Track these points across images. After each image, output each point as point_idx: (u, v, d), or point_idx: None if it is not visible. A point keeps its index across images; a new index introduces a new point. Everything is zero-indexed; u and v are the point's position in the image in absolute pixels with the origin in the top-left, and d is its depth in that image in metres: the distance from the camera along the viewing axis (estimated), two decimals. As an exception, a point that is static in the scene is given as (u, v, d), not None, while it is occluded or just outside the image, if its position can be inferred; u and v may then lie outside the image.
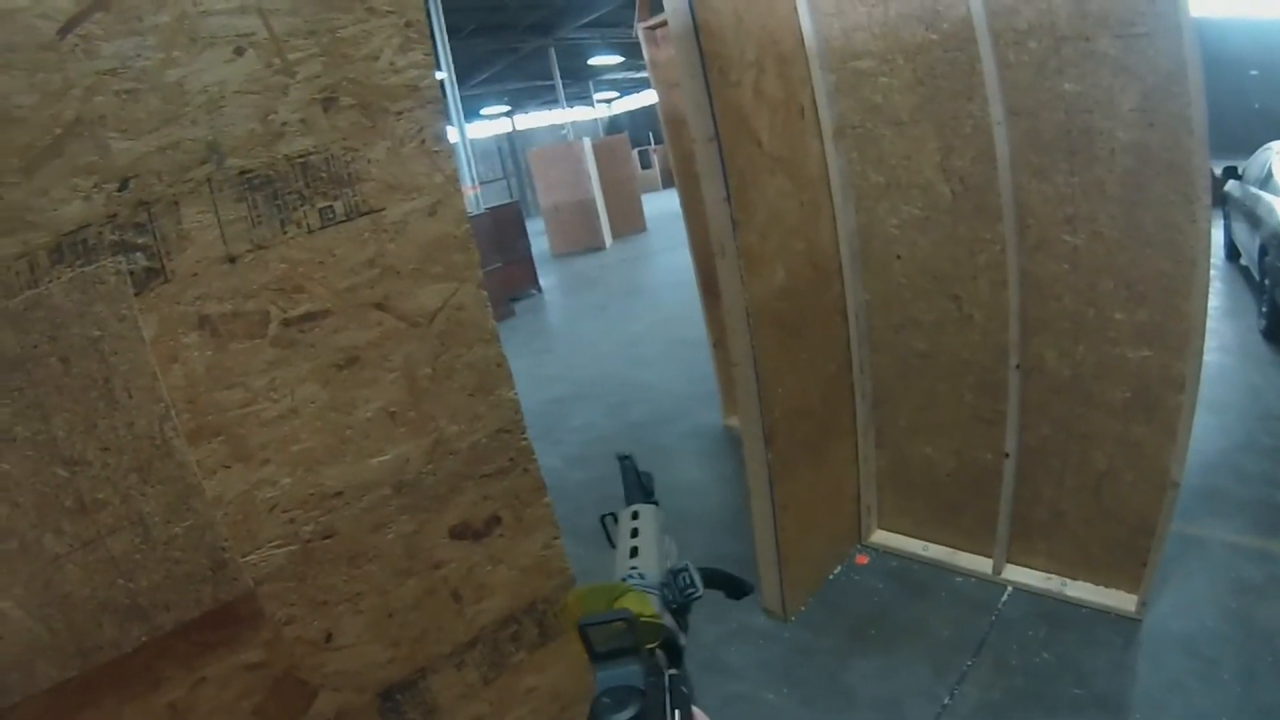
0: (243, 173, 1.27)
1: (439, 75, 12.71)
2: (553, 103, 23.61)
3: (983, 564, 2.67)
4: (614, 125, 30.24)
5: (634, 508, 0.87)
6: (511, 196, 21.70)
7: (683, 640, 0.76)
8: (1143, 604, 2.30)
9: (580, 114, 28.75)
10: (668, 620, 0.73)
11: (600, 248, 13.84)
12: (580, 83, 25.78)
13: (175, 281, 1.26)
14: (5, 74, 1.06)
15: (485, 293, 1.52)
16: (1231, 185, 6.00)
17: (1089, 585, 2.45)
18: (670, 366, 6.04)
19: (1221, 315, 5.12)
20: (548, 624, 1.73)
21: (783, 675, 2.46)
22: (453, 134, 14.40)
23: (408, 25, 1.40)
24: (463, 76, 15.73)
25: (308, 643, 1.45)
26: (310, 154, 1.31)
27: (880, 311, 2.74)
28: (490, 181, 23.27)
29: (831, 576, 2.90)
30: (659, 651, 0.70)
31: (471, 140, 15.55)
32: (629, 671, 0.63)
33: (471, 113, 23.49)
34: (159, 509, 1.28)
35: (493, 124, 28.56)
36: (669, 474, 4.15)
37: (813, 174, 2.59)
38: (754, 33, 2.33)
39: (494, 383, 1.55)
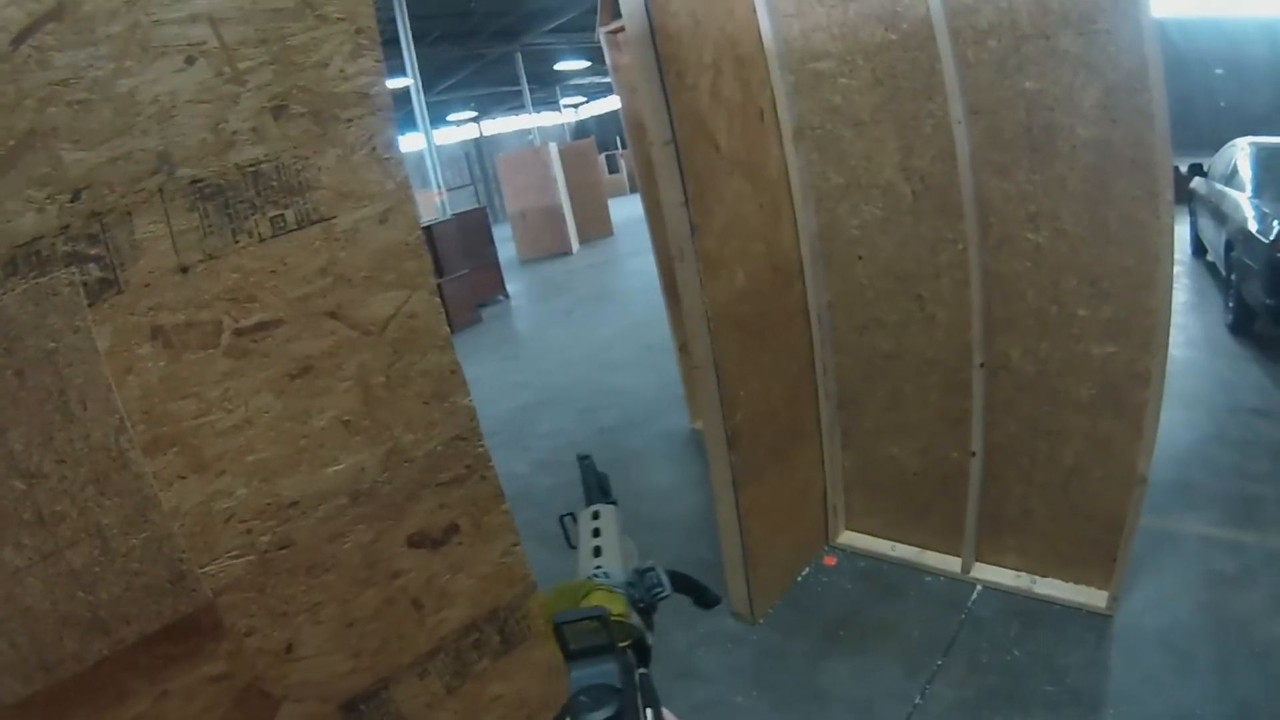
0: (194, 182, 1.32)
1: (405, 82, 12.83)
2: (520, 108, 23.91)
3: (951, 563, 2.78)
4: (581, 130, 30.48)
5: (594, 508, 0.92)
6: (479, 202, 21.76)
7: (650, 640, 0.79)
8: (1114, 600, 2.42)
9: (547, 119, 29.07)
10: (635, 620, 0.77)
11: (568, 253, 13.99)
12: (547, 88, 26.11)
13: (128, 292, 1.30)
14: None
15: (438, 300, 1.57)
16: (1197, 182, 6.26)
17: (1059, 582, 2.57)
18: (638, 371, 6.14)
19: (1188, 310, 5.34)
20: (510, 631, 1.79)
21: (753, 679, 2.54)
22: (419, 140, 14.46)
23: (358, 32, 1.46)
24: (429, 83, 15.85)
25: (269, 654, 1.50)
26: (261, 162, 1.37)
27: (843, 312, 2.85)
28: (458, 188, 23.27)
29: (800, 578, 2.99)
30: (629, 651, 0.71)
31: (439, 146, 15.62)
32: (605, 670, 0.64)
33: (438, 119, 23.57)
34: (117, 521, 1.32)
35: (460, 130, 28.65)
36: (638, 478, 4.23)
37: (773, 176, 2.69)
38: (712, 35, 2.43)
39: (449, 389, 1.60)
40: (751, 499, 2.69)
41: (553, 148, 14.00)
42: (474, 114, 27.70)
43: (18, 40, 1.16)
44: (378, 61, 1.49)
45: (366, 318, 1.49)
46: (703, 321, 2.46)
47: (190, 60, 1.32)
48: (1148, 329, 2.22)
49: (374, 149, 1.48)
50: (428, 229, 9.44)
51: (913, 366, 2.75)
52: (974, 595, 2.68)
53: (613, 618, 0.68)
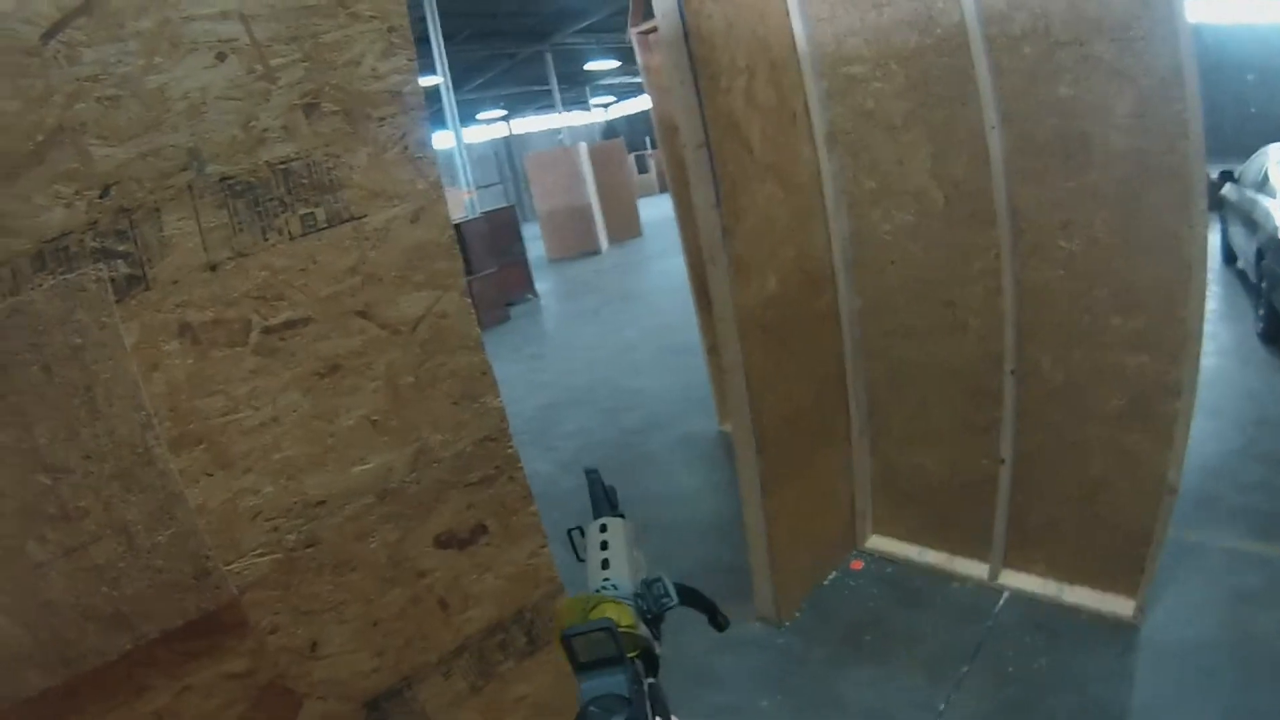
0: (224, 179, 1.27)
1: (434, 80, 12.85)
2: (549, 108, 23.80)
3: (979, 569, 2.67)
4: (611, 130, 30.32)
5: (601, 520, 0.89)
6: (508, 201, 21.81)
7: (659, 650, 0.77)
8: (1140, 610, 2.30)
9: (577, 119, 28.92)
10: (643, 630, 0.75)
11: (596, 252, 13.87)
12: (577, 87, 25.96)
13: (156, 289, 1.25)
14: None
15: (469, 300, 1.52)
16: (1228, 189, 6.02)
17: (1086, 590, 2.45)
18: (663, 373, 6.05)
19: (1218, 319, 5.13)
20: (536, 633, 1.72)
21: (775, 684, 2.46)
22: (449, 138, 14.48)
23: (391, 31, 1.40)
24: (459, 81, 15.85)
25: (292, 651, 1.45)
26: (292, 160, 1.31)
27: (873, 318, 2.74)
28: (487, 186, 23.35)
29: (826, 582, 2.90)
30: (638, 661, 0.71)
31: (468, 145, 15.64)
32: (615, 680, 0.65)
33: (468, 117, 23.71)
34: (141, 517, 1.28)
35: (489, 128, 28.67)
36: (661, 481, 4.15)
37: (804, 180, 2.60)
38: (745, 38, 2.34)
39: (478, 390, 1.55)
40: (778, 502, 2.61)
41: (582, 147, 13.84)
42: (504, 113, 27.68)
43: (47, 35, 1.11)
44: (410, 60, 1.43)
45: (396, 317, 1.44)
46: (733, 325, 2.38)
47: (221, 56, 1.26)
48: (1179, 339, 2.10)
49: (406, 148, 1.42)
50: (456, 227, 9.41)
51: (942, 373, 2.64)
52: (1000, 603, 2.57)
53: (621, 629, 0.68)
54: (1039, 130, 2.22)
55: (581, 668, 0.67)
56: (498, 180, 27.80)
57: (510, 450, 1.61)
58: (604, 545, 0.84)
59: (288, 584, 1.41)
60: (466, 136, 15.49)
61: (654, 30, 3.82)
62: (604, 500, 0.95)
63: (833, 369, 2.82)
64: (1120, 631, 2.31)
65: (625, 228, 14.71)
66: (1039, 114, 2.20)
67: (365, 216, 1.38)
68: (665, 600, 0.79)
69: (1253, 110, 9.79)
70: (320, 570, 1.43)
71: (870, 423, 2.89)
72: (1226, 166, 6.05)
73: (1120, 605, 2.36)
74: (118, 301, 1.23)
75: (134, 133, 1.21)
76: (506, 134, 29.46)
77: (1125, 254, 2.17)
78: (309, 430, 1.37)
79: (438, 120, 14.37)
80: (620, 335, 7.68)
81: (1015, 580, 2.60)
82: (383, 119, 1.39)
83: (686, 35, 2.11)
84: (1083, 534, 2.42)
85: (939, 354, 2.62)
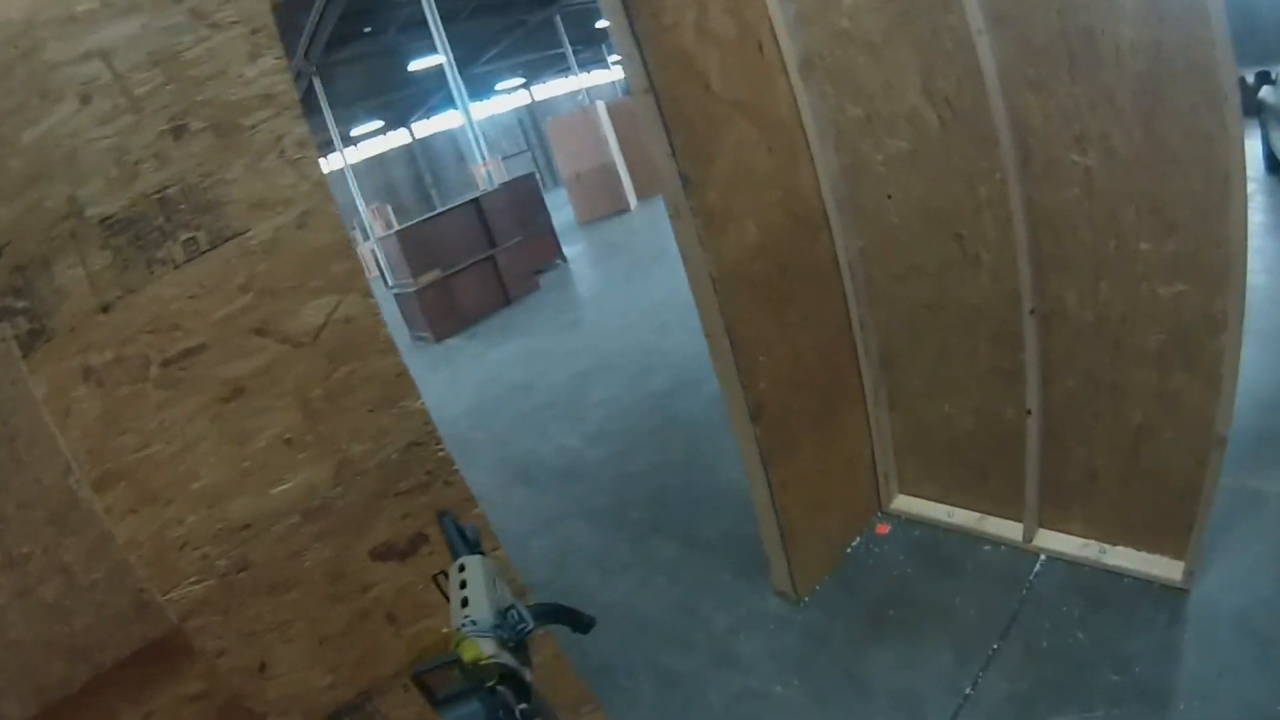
0: (104, 220, 1.41)
1: (437, 58, 13.15)
2: (567, 70, 24.39)
3: (1013, 530, 2.66)
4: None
5: (460, 561, 0.99)
6: (536, 169, 22.29)
7: (528, 675, 0.87)
8: (1189, 572, 2.26)
9: (598, 78, 29.54)
10: (506, 658, 0.85)
11: (625, 210, 14.11)
12: (593, 47, 26.44)
13: (57, 338, 1.41)
14: None
15: (374, 301, 1.62)
16: (1266, 91, 5.69)
17: (1130, 551, 2.41)
18: (693, 332, 6.09)
19: (1265, 233, 4.89)
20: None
21: (794, 666, 2.54)
22: (458, 117, 14.84)
23: (255, 33, 1.49)
24: (472, 55, 16.32)
25: (243, 672, 1.63)
26: (167, 187, 1.44)
27: (877, 261, 2.71)
28: (514, 155, 23.87)
29: (850, 550, 2.94)
30: (502, 689, 0.81)
31: (492, 116, 15.98)
32: (471, 710, 0.75)
33: (487, 89, 24.44)
34: (78, 557, 1.46)
35: (511, 98, 29.21)
36: (686, 448, 4.26)
37: (782, 115, 2.57)
38: None
39: (396, 394, 1.66)
40: (787, 473, 2.65)
41: (601, 106, 14.17)
42: (523, 80, 28.29)
43: None
44: (279, 59, 1.52)
45: (296, 329, 1.55)
46: (708, 283, 2.41)
47: (85, 99, 1.38)
48: (1220, 263, 2.00)
49: (283, 151, 1.52)
50: (475, 202, 9.62)
51: (958, 316, 2.59)
52: (1036, 567, 2.55)
53: (481, 661, 0.80)
54: (1037, 30, 2.12)
55: (439, 703, 0.76)
56: (525, 148, 28.41)
57: (441, 453, 1.72)
58: (462, 584, 0.95)
59: (227, 608, 1.58)
60: (487, 108, 15.78)
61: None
62: (460, 541, 1.06)
63: (839, 321, 2.81)
64: (1168, 597, 2.27)
65: (654, 183, 14.77)
66: (1034, 12, 2.10)
67: (249, 230, 1.50)
68: (522, 626, 0.90)
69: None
70: (256, 592, 1.59)
71: (887, 375, 2.88)
72: (1265, 68, 5.72)
73: (1168, 568, 2.31)
74: (24, 357, 1.39)
75: (18, 188, 1.36)
76: (529, 101, 29.97)
77: (1151, 167, 2.08)
78: (222, 456, 1.52)
79: (448, 99, 14.88)
80: (649, 295, 7.76)
81: (1052, 541, 2.57)
82: (255, 126, 1.49)
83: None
84: (1124, 489, 2.37)
85: (954, 294, 2.58)
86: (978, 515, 2.79)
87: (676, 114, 2.27)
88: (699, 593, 3.06)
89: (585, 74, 24.81)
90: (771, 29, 2.52)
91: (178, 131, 1.43)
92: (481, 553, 1.01)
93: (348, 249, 1.58)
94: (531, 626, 0.91)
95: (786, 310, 2.64)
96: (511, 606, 0.91)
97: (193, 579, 1.54)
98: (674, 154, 2.27)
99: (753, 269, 2.51)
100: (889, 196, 2.59)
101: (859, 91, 2.51)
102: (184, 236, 1.45)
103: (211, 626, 1.58)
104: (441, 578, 1.02)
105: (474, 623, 0.87)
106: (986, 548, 2.72)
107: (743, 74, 2.46)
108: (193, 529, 1.53)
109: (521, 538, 3.86)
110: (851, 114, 2.55)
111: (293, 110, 1.51)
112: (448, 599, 0.97)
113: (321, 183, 1.55)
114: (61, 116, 1.37)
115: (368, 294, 1.61)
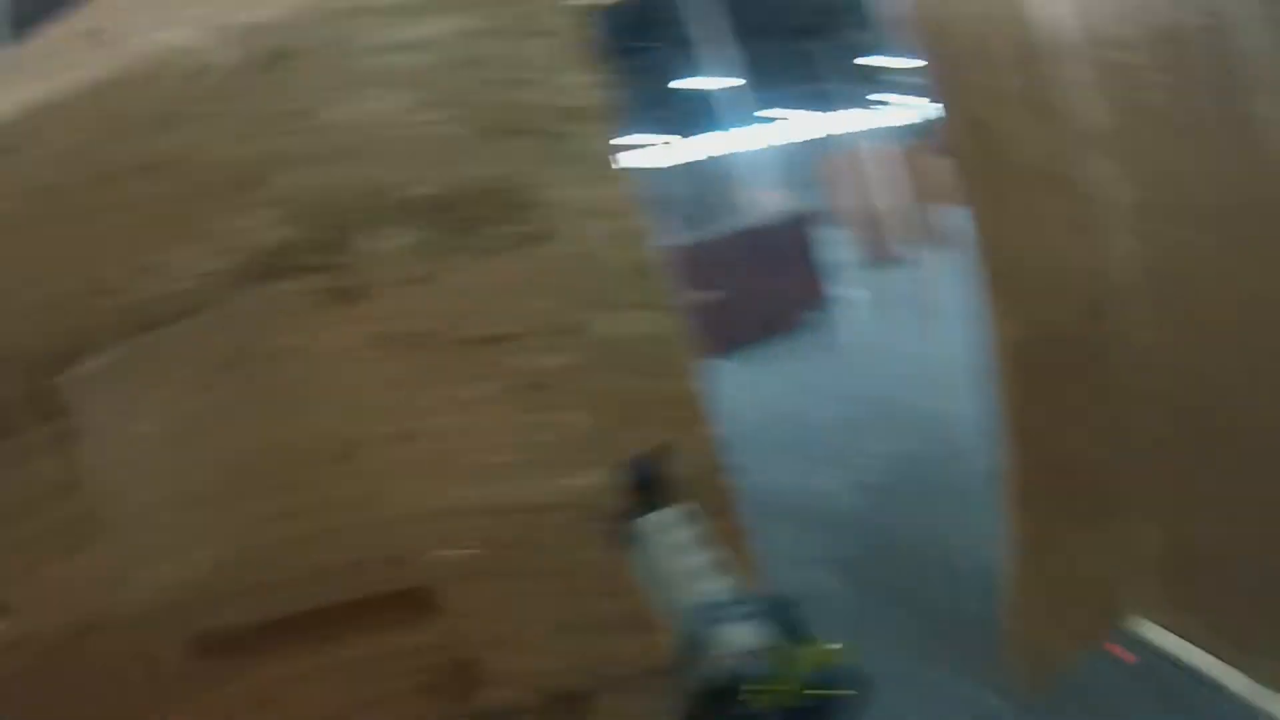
0: (426, 199, 1.52)
1: (733, 81, 13.60)
2: (855, 106, 24.15)
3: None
4: (924, 130, 29.33)
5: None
6: (811, 203, 22.37)
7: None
8: None
9: (886, 118, 28.84)
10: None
11: (904, 260, 13.53)
12: (885, 86, 25.94)
13: (361, 303, 1.55)
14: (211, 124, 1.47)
15: (679, 322, 1.60)
16: None
17: None
18: (969, 395, 5.74)
19: None
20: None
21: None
22: (742, 139, 15.20)
23: (575, 46, 1.52)
24: (756, 82, 16.86)
25: (482, 638, 1.72)
26: (491, 180, 1.52)
27: (1173, 360, 2.37)
28: (790, 189, 24.17)
29: (1083, 667, 2.57)
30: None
31: (768, 146, 16.24)
32: None
33: (766, 118, 24.76)
34: (337, 498, 1.62)
35: (789, 128, 29.28)
36: (946, 520, 3.99)
37: (1080, 190, 2.35)
38: (1000, 27, 2.21)
39: (688, 419, 1.61)
40: (1035, 566, 2.43)
41: (889, 148, 13.86)
42: (804, 111, 28.34)
43: (265, 68, 1.43)
44: (597, 75, 1.54)
45: (601, 337, 1.57)
46: (1008, 355, 2.27)
47: (412, 86, 1.51)
48: None
49: (602, 163, 1.55)
50: (754, 229, 9.78)
51: (1258, 429, 2.17)
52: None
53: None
54: None
55: None
56: (801, 183, 28.54)
57: (725, 483, 1.66)
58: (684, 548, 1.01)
59: (488, 578, 1.65)
60: (766, 137, 16.02)
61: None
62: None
63: (1116, 415, 2.51)
64: None
65: (938, 235, 14.20)
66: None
67: (565, 234, 1.53)
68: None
69: None
70: (524, 571, 1.65)
71: (1161, 485, 2.49)
72: None
73: None
74: (322, 313, 1.53)
75: (338, 160, 1.51)
76: (808, 134, 29.95)
77: None
78: (513, 439, 1.60)
79: (735, 120, 15.31)
80: (924, 351, 7.41)
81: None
82: (573, 135, 1.52)
83: (928, 29, 2.06)
84: None
85: (1261, 405, 2.16)
86: (1247, 680, 2.28)
87: (975, 179, 2.18)
88: (920, 664, 2.85)
89: (873, 111, 24.29)
90: (1077, 98, 2.32)
91: (505, 131, 1.53)
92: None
93: (659, 266, 1.60)
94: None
95: (1059, 394, 2.41)
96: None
97: (461, 545, 1.65)
98: (975, 219, 2.19)
99: (1032, 346, 2.31)
100: (1191, 291, 2.26)
101: (1165, 174, 2.23)
102: (506, 229, 1.53)
103: (468, 592, 1.67)
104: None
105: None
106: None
107: (1043, 143, 2.28)
108: (472, 499, 1.63)
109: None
110: (1155, 198, 2.26)
111: (611, 122, 1.56)
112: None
113: (638, 198, 1.59)
114: (388, 100, 1.51)
115: (674, 314, 1.61)
